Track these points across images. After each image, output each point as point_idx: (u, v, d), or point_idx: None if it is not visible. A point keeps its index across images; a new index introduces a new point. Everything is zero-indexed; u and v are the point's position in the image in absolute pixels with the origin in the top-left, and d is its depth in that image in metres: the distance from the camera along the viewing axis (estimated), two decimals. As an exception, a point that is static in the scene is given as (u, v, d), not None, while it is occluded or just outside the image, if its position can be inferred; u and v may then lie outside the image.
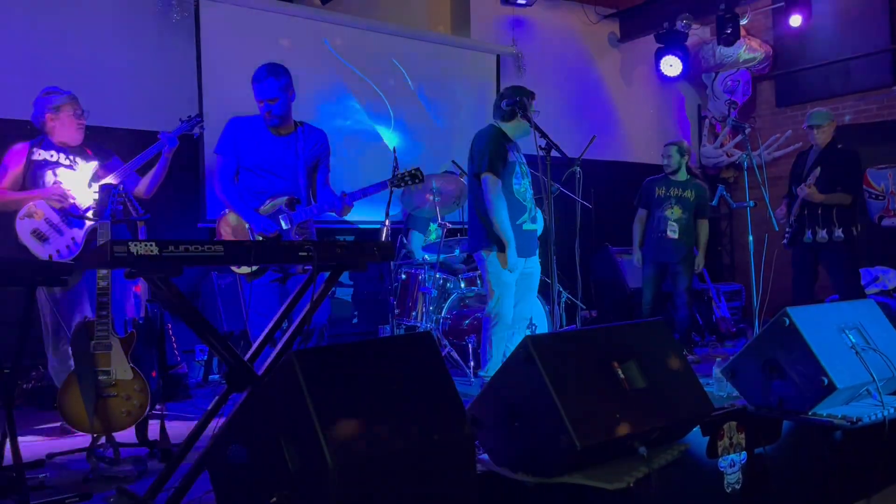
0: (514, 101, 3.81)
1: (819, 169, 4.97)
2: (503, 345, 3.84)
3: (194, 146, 5.28)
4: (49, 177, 3.53)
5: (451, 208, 5.14)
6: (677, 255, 5.33)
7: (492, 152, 3.79)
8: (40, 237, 3.45)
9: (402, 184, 3.67)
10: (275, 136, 3.52)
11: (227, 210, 3.50)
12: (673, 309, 5.50)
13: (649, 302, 5.43)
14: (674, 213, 5.32)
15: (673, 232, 5.28)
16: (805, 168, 5.12)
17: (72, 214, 3.48)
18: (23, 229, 3.45)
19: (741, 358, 2.89)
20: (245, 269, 3.39)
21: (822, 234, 4.98)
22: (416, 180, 3.69)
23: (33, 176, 3.54)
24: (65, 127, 3.58)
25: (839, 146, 5.10)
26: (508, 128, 3.92)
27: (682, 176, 5.43)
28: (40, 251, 3.45)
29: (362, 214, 5.85)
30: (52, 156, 3.58)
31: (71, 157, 3.62)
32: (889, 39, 7.06)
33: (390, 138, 6.13)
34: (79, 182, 3.56)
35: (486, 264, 3.87)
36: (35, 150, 3.58)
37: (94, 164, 3.63)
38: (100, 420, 3.03)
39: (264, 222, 3.39)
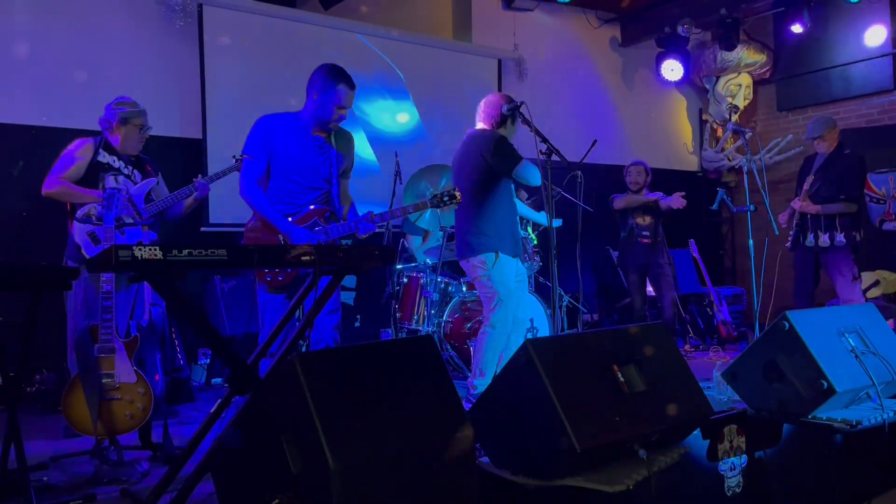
0: (515, 107, 3.81)
1: (812, 178, 4.98)
2: (499, 353, 3.82)
3: (198, 149, 5.31)
4: (109, 181, 3.61)
5: (451, 212, 5.14)
6: (655, 256, 5.73)
7: (513, 149, 3.80)
8: (96, 240, 3.51)
9: (441, 205, 3.44)
10: (311, 138, 3.28)
11: (255, 218, 3.27)
12: (659, 312, 5.82)
13: (640, 308, 5.78)
14: (645, 220, 5.80)
15: (646, 237, 5.76)
16: (811, 173, 5.09)
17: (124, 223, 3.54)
18: (79, 230, 3.52)
19: (741, 361, 2.89)
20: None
21: (824, 238, 4.97)
22: (454, 200, 3.45)
23: (94, 176, 3.62)
24: (129, 138, 3.71)
25: (846, 151, 5.06)
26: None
27: (642, 191, 5.91)
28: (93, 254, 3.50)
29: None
30: (114, 161, 3.69)
31: (130, 168, 3.73)
32: (890, 44, 7.07)
33: (392, 143, 6.14)
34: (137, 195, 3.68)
35: (490, 270, 3.75)
36: (100, 150, 3.67)
37: (151, 183, 3.76)
38: (103, 423, 3.05)
39: (303, 235, 3.14)
